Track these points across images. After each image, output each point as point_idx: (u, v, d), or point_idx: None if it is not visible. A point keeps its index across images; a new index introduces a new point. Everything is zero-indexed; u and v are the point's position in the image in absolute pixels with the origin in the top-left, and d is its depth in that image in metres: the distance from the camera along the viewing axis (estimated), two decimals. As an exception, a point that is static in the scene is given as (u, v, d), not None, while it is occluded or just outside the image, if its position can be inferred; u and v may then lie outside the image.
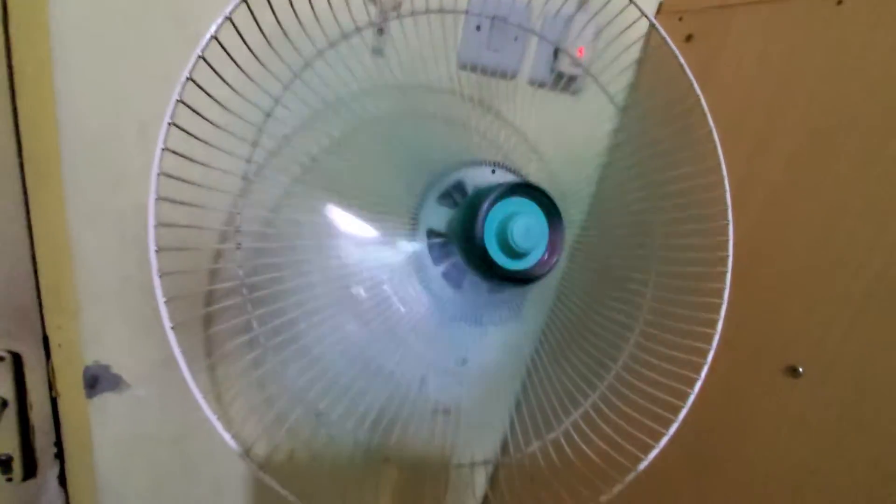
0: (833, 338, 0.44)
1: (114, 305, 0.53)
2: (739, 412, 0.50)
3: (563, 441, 0.43)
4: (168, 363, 0.50)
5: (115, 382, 0.56)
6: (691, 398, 0.44)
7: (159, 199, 0.32)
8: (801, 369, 0.47)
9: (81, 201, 0.49)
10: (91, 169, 0.48)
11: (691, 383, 0.44)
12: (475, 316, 0.40)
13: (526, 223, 0.32)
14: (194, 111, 0.32)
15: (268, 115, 0.39)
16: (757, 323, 0.49)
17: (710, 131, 0.44)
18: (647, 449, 0.42)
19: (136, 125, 0.48)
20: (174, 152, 0.32)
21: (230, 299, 0.40)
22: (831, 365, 0.44)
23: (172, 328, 0.34)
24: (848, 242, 0.44)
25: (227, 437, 0.34)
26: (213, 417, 0.35)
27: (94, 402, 0.56)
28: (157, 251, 0.32)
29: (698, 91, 0.44)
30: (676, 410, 0.43)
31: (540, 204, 0.34)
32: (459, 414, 0.45)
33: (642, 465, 0.41)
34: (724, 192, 0.44)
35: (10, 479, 0.55)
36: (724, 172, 0.43)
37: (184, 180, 0.33)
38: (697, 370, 0.44)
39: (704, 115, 0.44)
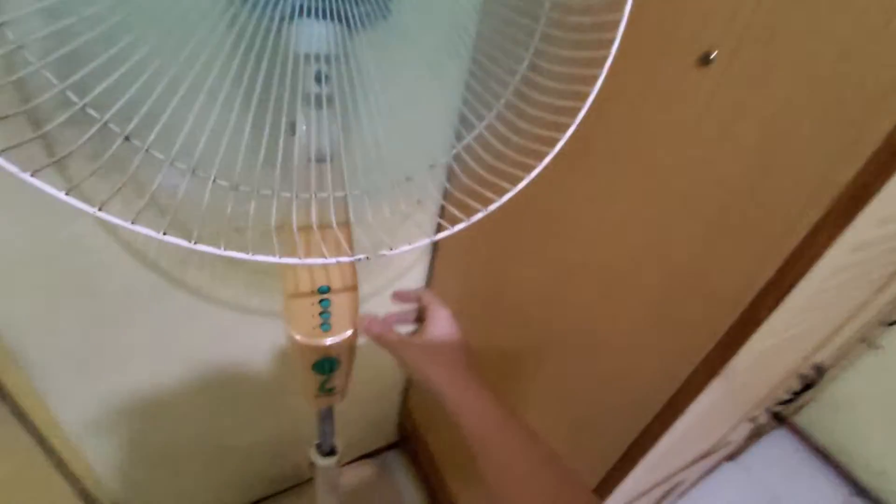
0: (742, 16, 0.40)
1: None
2: (653, 102, 0.48)
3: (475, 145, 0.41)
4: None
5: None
6: (595, 87, 0.40)
7: None
8: (713, 56, 0.44)
9: None
10: None
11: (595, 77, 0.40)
12: (329, 8, 0.31)
13: None
14: None
15: None
16: (672, 11, 0.44)
17: None
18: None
19: None
20: None
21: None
22: (739, 45, 0.41)
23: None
24: None
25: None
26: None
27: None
28: None
29: None
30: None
31: None
32: (342, 157, 0.40)
33: (559, 145, 0.40)
34: None
35: None
36: None
37: None
38: (602, 64, 0.40)
39: None
